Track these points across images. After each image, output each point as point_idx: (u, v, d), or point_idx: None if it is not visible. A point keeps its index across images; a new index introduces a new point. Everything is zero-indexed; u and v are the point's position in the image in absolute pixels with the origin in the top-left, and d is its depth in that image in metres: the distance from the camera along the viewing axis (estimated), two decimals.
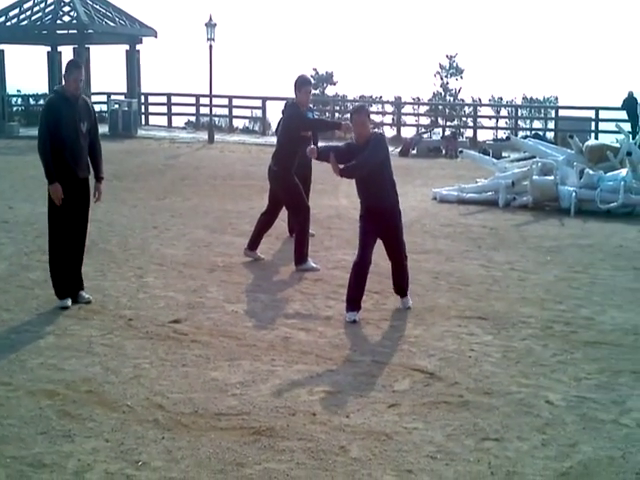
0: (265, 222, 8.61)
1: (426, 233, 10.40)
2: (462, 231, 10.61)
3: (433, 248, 9.41)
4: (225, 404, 4.60)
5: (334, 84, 33.92)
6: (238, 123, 31.36)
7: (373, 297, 7.07)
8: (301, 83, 8.21)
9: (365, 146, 6.33)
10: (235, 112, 30.15)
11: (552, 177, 12.57)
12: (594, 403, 4.71)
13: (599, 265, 8.55)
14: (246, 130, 30.56)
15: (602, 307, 6.81)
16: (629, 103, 23.72)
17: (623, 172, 12.42)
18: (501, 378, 5.09)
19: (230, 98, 29.46)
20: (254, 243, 8.52)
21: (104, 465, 3.87)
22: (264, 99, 28.68)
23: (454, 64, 33.38)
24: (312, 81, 8.45)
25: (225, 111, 30.04)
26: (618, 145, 13.68)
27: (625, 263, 8.70)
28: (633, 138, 15.03)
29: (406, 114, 30.82)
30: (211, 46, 25.36)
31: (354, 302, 6.37)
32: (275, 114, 32.02)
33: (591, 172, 12.61)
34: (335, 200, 13.33)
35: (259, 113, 29.62)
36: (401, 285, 6.75)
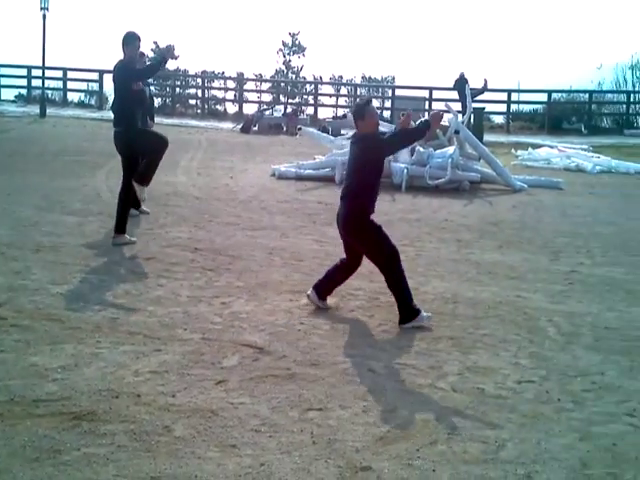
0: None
1: (263, 209, 10.45)
2: (298, 207, 10.75)
3: (269, 224, 9.47)
4: (44, 390, 4.42)
5: (175, 58, 33.11)
6: (73, 97, 29.98)
7: (207, 274, 7.03)
8: (129, 38, 7.99)
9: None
10: (70, 85, 28.86)
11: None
12: (413, 369, 4.94)
13: (425, 238, 8.95)
14: (81, 104, 29.26)
15: (426, 277, 7.15)
16: (460, 84, 24.84)
17: (451, 150, 13.04)
18: (328, 349, 5.22)
19: (65, 70, 28.12)
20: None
21: None
22: (101, 72, 27.61)
23: (296, 42, 33.48)
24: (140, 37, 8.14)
25: (59, 84, 28.65)
26: (447, 124, 14.32)
27: (449, 236, 9.16)
28: (463, 117, 15.80)
29: (248, 90, 30.70)
30: (44, 15, 24.09)
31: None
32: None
33: (422, 150, 13.14)
34: (173, 177, 13.08)
35: (96, 87, 28.49)
36: None
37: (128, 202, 8.23)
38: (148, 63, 9.88)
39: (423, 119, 5.93)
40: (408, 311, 5.78)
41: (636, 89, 30.80)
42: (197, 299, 6.27)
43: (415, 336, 5.56)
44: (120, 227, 8.10)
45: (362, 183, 5.84)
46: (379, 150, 5.82)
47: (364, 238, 5.89)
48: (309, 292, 6.16)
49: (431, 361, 5.09)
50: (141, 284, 6.66)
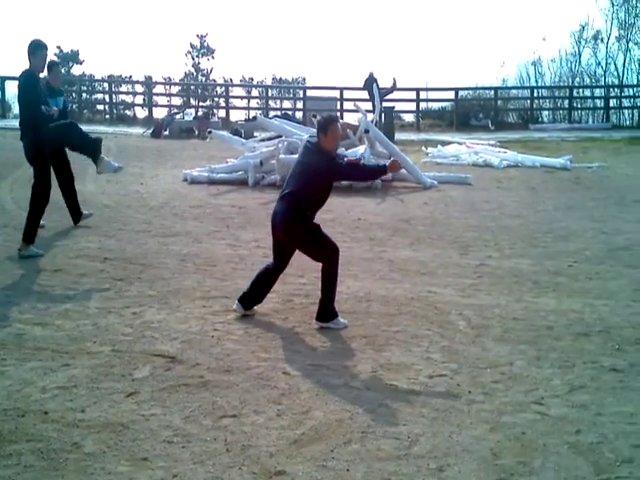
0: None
1: (175, 215, 10.31)
2: (211, 211, 10.65)
3: (181, 230, 9.35)
4: None
5: (80, 63, 32.36)
6: None
7: (117, 284, 6.88)
8: (35, 47, 7.69)
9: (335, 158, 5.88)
10: None
11: (298, 155, 12.98)
12: (327, 370, 4.95)
13: (339, 238, 8.95)
14: None
15: (339, 278, 7.15)
16: (369, 83, 25.17)
17: (361, 149, 13.17)
18: (242, 355, 5.18)
19: None
20: None
21: None
22: (3, 79, 26.66)
23: (205, 44, 33.21)
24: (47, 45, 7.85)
25: None
26: (357, 123, 14.47)
27: (362, 235, 9.25)
28: (372, 116, 15.99)
29: (158, 94, 30.24)
30: None
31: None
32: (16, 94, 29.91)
33: None
34: (81, 185, 12.72)
35: None
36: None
37: (39, 211, 7.90)
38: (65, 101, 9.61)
39: (382, 163, 5.97)
40: (329, 310, 5.83)
41: (539, 84, 31.96)
42: (107, 310, 6.12)
43: (329, 336, 5.58)
44: (28, 236, 7.82)
45: (306, 191, 5.79)
46: (330, 173, 5.84)
47: (301, 235, 5.84)
48: (234, 306, 6.09)
49: (345, 360, 5.12)
50: (48, 297, 6.45)
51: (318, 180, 5.79)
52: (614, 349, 5.41)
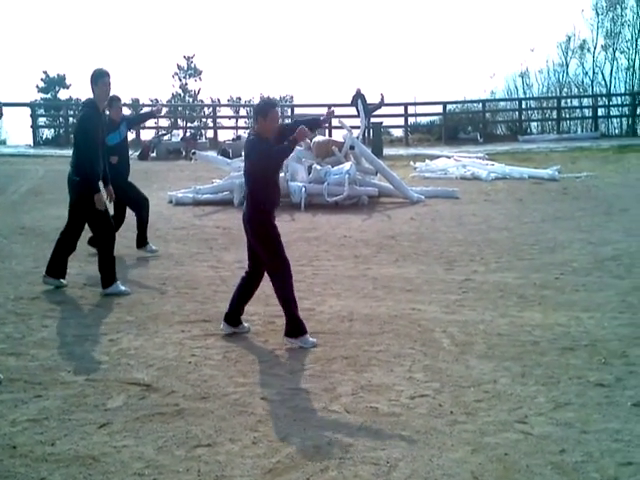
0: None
1: (158, 238, 10.18)
2: (195, 233, 10.55)
3: (164, 252, 9.24)
4: None
5: (67, 87, 32.30)
6: None
7: (95, 311, 6.76)
8: (97, 76, 7.29)
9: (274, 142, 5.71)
10: None
11: (282, 174, 12.92)
12: (307, 394, 4.83)
13: (323, 256, 8.90)
14: None
15: (322, 297, 7.08)
16: (357, 99, 25.18)
17: (347, 166, 13.09)
18: (219, 380, 5.06)
19: None
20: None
21: None
22: None
23: (192, 65, 33.25)
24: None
25: None
26: (343, 140, 14.40)
27: (347, 252, 9.15)
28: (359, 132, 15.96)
29: None
30: None
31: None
32: (10, 121, 29.84)
33: (319, 167, 13.16)
34: (65, 211, 12.60)
35: None
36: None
37: (107, 252, 7.43)
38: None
39: (290, 137, 5.77)
40: (295, 325, 5.75)
41: (527, 96, 32.04)
42: (84, 338, 5.99)
43: (309, 358, 5.46)
44: (107, 279, 7.35)
45: (256, 188, 5.74)
46: (265, 157, 5.67)
47: (263, 237, 5.76)
48: (221, 326, 6.03)
49: (325, 383, 5.00)
50: (24, 326, 6.32)
51: (261, 171, 5.68)
52: (600, 363, 5.30)
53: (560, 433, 4.21)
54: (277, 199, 5.89)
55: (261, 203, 5.74)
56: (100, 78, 7.30)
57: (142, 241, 9.34)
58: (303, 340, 5.73)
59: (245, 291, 6.02)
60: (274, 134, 5.76)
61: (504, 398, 4.72)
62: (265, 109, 5.73)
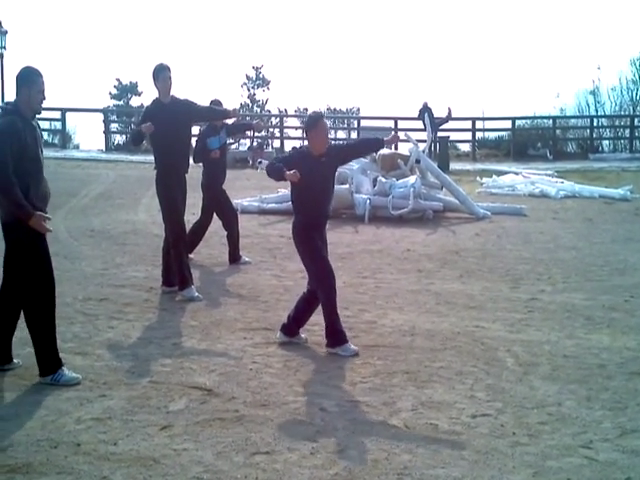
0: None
1: (223, 245, 10.25)
2: (259, 242, 10.64)
3: (228, 260, 9.33)
4: None
5: (139, 95, 33.10)
6: None
7: (160, 314, 6.88)
8: (157, 71, 7.38)
9: (324, 157, 5.83)
10: None
11: (347, 186, 12.94)
12: (366, 406, 4.81)
13: (386, 269, 8.86)
14: (44, 143, 28.98)
15: (384, 310, 7.04)
16: (423, 112, 25.09)
17: (412, 179, 13.03)
18: (279, 389, 5.08)
19: None
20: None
21: None
22: (64, 110, 27.43)
23: (260, 75, 33.67)
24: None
25: None
26: (408, 153, 14.34)
27: (410, 266, 9.09)
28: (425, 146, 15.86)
29: None
30: (2, 54, 23.96)
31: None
32: (77, 126, 30.71)
33: (384, 180, 13.13)
34: (134, 215, 12.95)
35: (58, 125, 28.29)
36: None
37: (178, 250, 7.49)
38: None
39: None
40: (336, 335, 5.81)
41: (599, 113, 31.36)
42: (148, 340, 6.10)
43: (369, 371, 5.43)
44: (182, 281, 7.43)
45: (290, 194, 6.00)
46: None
47: (301, 251, 5.94)
48: (277, 335, 6.09)
49: (385, 397, 4.96)
50: (91, 326, 6.48)
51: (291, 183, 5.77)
52: None
53: (626, 461, 4.08)
54: (315, 213, 5.87)
55: (297, 213, 5.94)
56: (161, 72, 7.34)
57: (235, 257, 9.21)
58: (345, 348, 5.78)
59: (304, 306, 6.06)
60: (321, 150, 5.81)
61: (569, 422, 4.61)
62: (310, 123, 5.89)
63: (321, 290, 5.82)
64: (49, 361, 5.19)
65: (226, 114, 8.02)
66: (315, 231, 5.89)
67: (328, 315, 5.81)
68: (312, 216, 5.87)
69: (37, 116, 5.34)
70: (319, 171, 5.78)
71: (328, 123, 27.41)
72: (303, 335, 6.12)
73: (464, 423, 4.57)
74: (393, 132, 6.27)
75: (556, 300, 7.57)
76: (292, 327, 6.05)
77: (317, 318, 6.50)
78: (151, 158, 8.57)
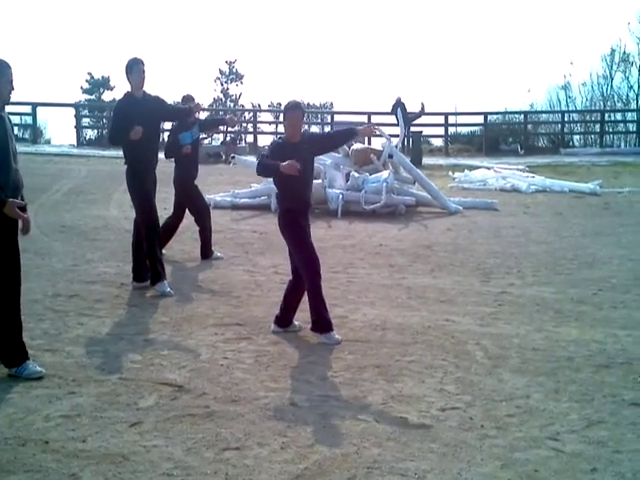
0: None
1: (195, 240, 10.22)
2: (232, 237, 10.61)
3: (199, 255, 9.30)
4: None
5: (111, 89, 32.82)
6: None
7: (131, 310, 6.84)
8: (131, 65, 7.28)
9: (300, 144, 5.91)
10: None
11: (320, 180, 12.94)
12: (337, 401, 4.83)
13: (358, 264, 8.89)
14: (15, 138, 28.61)
15: (356, 305, 7.07)
16: (397, 108, 25.14)
17: (385, 174, 13.07)
18: (250, 384, 5.08)
19: None
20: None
21: None
22: (34, 105, 27.10)
23: (234, 70, 33.53)
24: None
25: None
26: (382, 148, 14.38)
27: (382, 261, 9.12)
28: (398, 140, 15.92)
29: None
30: None
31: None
32: (49, 121, 30.33)
33: (356, 175, 13.16)
34: (105, 210, 12.85)
35: (29, 120, 27.93)
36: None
37: (151, 245, 7.47)
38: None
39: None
40: (321, 322, 5.95)
41: (570, 108, 31.63)
42: (118, 337, 6.07)
43: (340, 366, 5.45)
44: (154, 275, 7.45)
45: (281, 188, 6.11)
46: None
47: (286, 236, 6.05)
48: (272, 327, 6.20)
49: (355, 391, 4.99)
50: (61, 323, 6.43)
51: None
52: (636, 382, 5.20)
53: (592, 452, 4.14)
54: (299, 200, 6.01)
55: (282, 201, 6.11)
56: (135, 65, 7.29)
57: (207, 252, 9.20)
58: (329, 337, 5.91)
59: (291, 295, 6.18)
60: (295, 138, 5.94)
61: (536, 414, 4.66)
62: (285, 109, 6.02)
63: (306, 275, 5.94)
64: (14, 353, 5.17)
65: (188, 112, 7.98)
66: (300, 216, 6.02)
67: (312, 299, 5.95)
68: (296, 202, 5.99)
69: (7, 110, 5.28)
70: (300, 155, 5.82)
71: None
72: (297, 322, 6.25)
73: (433, 416, 4.60)
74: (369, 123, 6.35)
75: (526, 293, 7.65)
76: (284, 317, 6.19)
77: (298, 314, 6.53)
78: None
